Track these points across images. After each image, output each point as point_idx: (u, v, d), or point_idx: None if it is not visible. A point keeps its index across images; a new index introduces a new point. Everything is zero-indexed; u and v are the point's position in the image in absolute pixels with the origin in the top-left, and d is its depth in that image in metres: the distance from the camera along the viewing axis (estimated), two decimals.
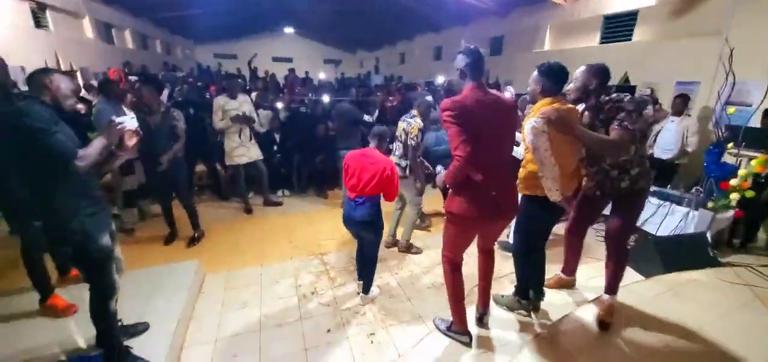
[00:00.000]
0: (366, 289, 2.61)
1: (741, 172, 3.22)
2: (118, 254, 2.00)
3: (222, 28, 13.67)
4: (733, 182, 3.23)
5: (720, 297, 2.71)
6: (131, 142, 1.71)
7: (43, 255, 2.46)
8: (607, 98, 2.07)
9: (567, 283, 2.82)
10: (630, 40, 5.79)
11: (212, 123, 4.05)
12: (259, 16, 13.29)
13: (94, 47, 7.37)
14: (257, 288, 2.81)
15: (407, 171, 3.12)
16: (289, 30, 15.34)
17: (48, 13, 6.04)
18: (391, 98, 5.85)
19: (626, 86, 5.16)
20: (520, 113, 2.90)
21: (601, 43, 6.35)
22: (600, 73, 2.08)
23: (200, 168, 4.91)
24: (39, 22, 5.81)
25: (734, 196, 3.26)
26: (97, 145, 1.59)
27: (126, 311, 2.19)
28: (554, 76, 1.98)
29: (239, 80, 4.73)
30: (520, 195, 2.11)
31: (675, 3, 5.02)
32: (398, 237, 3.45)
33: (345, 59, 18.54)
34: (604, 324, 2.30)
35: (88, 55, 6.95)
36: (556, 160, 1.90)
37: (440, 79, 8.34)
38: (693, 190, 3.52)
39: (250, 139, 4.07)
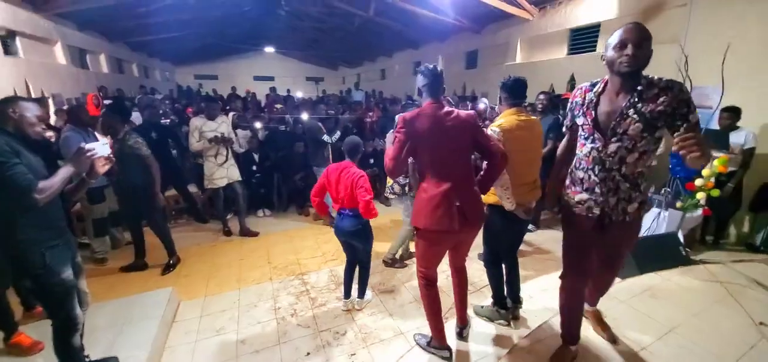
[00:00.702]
0: (361, 293, 2.71)
1: (705, 172, 3.35)
2: (84, 287, 1.92)
3: (202, 50, 13.62)
4: (698, 182, 3.36)
5: (695, 296, 2.79)
6: (103, 168, 1.67)
7: (5, 289, 2.35)
8: (649, 80, 1.50)
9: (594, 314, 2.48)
10: (595, 50, 6.07)
11: (187, 145, 3.99)
12: (239, 37, 13.31)
13: (67, 73, 7.18)
14: (234, 312, 2.73)
15: (406, 188, 3.09)
16: (269, 49, 15.39)
17: (18, 39, 5.88)
18: (370, 114, 5.90)
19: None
20: (487, 123, 3.00)
21: (569, 54, 6.61)
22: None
23: (170, 192, 4.77)
24: (8, 49, 5.65)
25: (701, 195, 3.39)
26: (61, 174, 1.54)
27: (94, 345, 2.10)
28: (512, 89, 2.10)
29: (217, 102, 4.61)
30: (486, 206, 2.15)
31: (633, 15, 5.31)
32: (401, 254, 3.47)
33: (327, 76, 18.68)
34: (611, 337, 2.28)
35: (60, 80, 6.77)
36: (513, 170, 1.98)
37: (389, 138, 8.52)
38: (662, 191, 3.65)
39: (227, 159, 3.99)
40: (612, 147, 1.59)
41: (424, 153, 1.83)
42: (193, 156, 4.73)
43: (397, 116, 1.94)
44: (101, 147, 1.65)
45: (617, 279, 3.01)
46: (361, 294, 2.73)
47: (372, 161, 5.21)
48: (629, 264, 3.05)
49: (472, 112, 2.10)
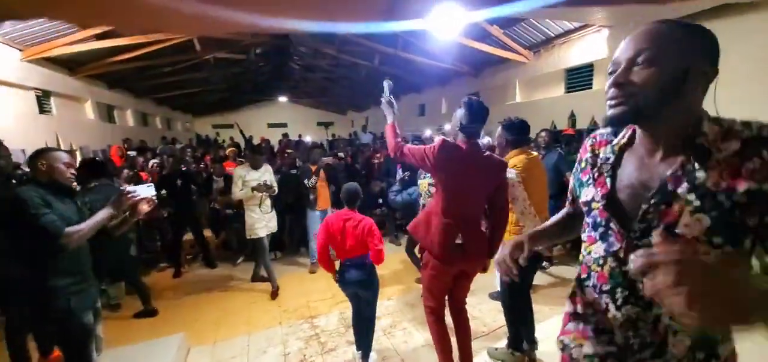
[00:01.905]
0: (366, 356, 2.49)
1: None
2: (99, 332, 1.98)
3: (219, 102, 14.43)
4: None
5: None
6: (146, 208, 1.81)
7: (26, 335, 2.41)
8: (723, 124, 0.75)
9: None
10: (591, 88, 6.27)
11: (203, 190, 4.06)
12: (254, 89, 14.11)
13: (95, 127, 7.70)
14: (244, 359, 2.71)
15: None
16: (282, 98, 16.18)
17: (52, 99, 6.41)
18: (378, 155, 6.05)
19: (594, 129, 5.48)
20: None
21: (567, 92, 6.81)
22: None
23: (188, 237, 4.92)
24: (43, 108, 6.15)
25: None
26: (95, 219, 1.66)
27: None
28: (516, 129, 2.16)
29: (262, 152, 4.40)
30: None
31: None
32: None
33: (336, 120, 19.34)
34: None
35: (88, 134, 7.25)
36: (533, 207, 2.01)
37: (427, 132, 8.75)
38: None
39: (271, 209, 3.90)
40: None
41: (448, 183, 1.85)
42: (211, 201, 4.90)
43: (438, 137, 1.94)
44: (144, 189, 1.78)
45: None
46: (366, 355, 2.49)
47: (381, 201, 5.28)
48: None
49: (489, 145, 2.14)
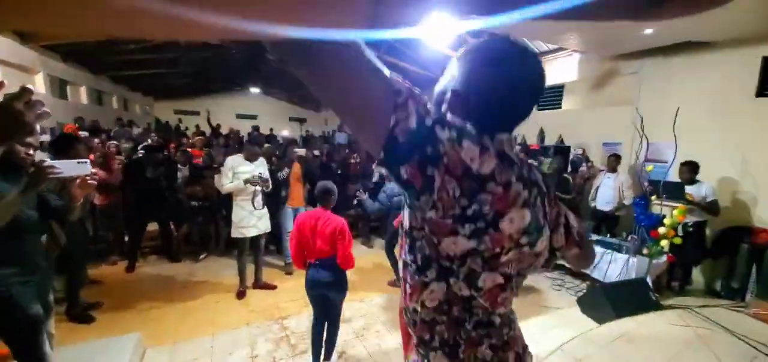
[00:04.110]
0: (329, 354, 2.47)
1: (666, 221, 3.62)
2: (50, 328, 1.79)
3: (184, 85, 13.64)
4: (661, 230, 3.61)
5: (668, 341, 2.90)
6: (82, 191, 1.58)
7: None
8: None
9: None
10: (560, 107, 6.71)
11: (217, 183, 3.66)
12: (223, 75, 13.48)
13: (46, 102, 6.95)
14: (207, 361, 2.57)
15: None
16: (254, 89, 15.61)
17: (0, 67, 5.75)
18: (355, 155, 6.02)
19: (562, 146, 5.83)
20: None
21: (539, 109, 7.18)
22: None
23: (152, 227, 4.61)
24: None
25: (664, 243, 3.63)
26: (8, 200, 1.32)
27: None
28: None
29: (259, 143, 4.01)
30: None
31: (592, 79, 5.96)
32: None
33: (310, 117, 18.99)
34: None
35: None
36: None
37: None
38: (628, 238, 3.88)
39: (263, 207, 3.59)
40: None
41: None
42: (176, 191, 4.61)
43: None
44: (74, 167, 1.48)
45: (594, 324, 3.11)
46: (329, 354, 2.48)
47: (355, 202, 5.24)
48: (605, 307, 3.16)
49: None
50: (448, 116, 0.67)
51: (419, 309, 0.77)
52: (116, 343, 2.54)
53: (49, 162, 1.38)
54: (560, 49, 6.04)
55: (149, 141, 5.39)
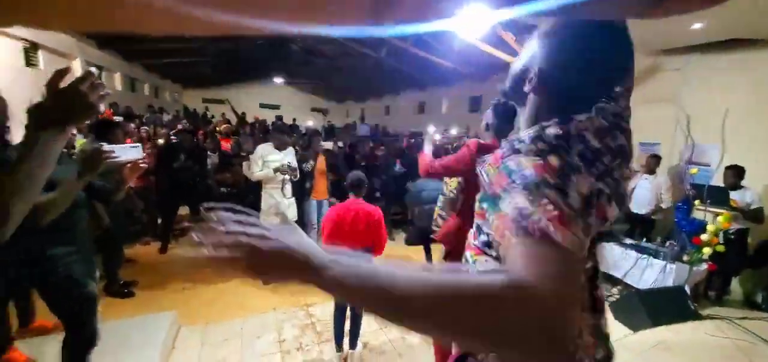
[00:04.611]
0: (354, 343, 2.49)
1: (710, 227, 3.42)
2: (96, 292, 1.88)
3: (211, 74, 13.98)
4: (703, 237, 3.41)
5: (706, 352, 2.75)
6: (133, 174, 1.61)
7: (7, 305, 2.27)
8: None
9: None
10: None
11: (246, 171, 3.78)
12: (250, 64, 13.72)
13: None
14: (237, 342, 2.64)
15: None
16: (278, 79, 15.84)
17: (40, 52, 6.06)
18: (380, 147, 6.00)
19: None
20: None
21: None
22: None
23: (183, 211, 4.78)
24: (29, 61, 5.80)
25: (706, 251, 3.43)
26: (67, 186, 1.35)
27: None
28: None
29: (287, 131, 4.14)
30: None
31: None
32: None
33: (332, 108, 19.11)
34: None
35: None
36: None
37: (430, 129, 8.81)
38: (667, 244, 3.69)
39: (291, 195, 3.65)
40: None
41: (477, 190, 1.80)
42: (206, 178, 4.75)
43: (471, 141, 1.90)
44: (129, 151, 1.53)
45: (628, 331, 2.99)
46: (354, 344, 2.48)
47: (378, 194, 5.24)
48: (640, 314, 3.03)
49: None
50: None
51: (471, 261, 0.76)
52: (154, 320, 2.65)
53: (106, 146, 1.40)
54: None
55: (180, 126, 5.57)
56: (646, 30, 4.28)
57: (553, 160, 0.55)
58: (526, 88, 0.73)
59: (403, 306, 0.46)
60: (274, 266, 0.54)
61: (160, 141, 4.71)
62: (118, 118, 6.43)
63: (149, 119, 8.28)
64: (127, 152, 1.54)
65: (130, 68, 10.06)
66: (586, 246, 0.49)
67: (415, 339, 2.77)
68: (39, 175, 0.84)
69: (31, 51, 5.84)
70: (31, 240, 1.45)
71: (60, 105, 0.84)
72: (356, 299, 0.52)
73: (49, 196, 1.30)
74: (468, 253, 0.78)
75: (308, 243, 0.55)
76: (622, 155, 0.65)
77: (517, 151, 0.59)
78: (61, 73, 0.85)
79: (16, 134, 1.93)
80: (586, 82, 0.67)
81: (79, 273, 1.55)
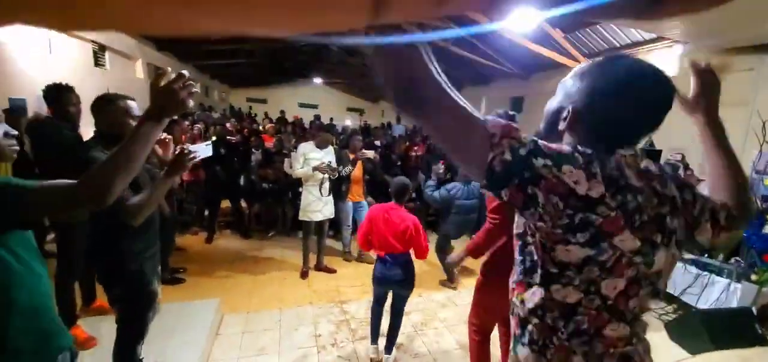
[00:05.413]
0: (391, 347, 2.48)
1: None
2: (158, 292, 1.97)
3: (255, 75, 14.68)
4: None
5: None
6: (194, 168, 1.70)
7: (74, 284, 2.51)
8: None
9: None
10: None
11: (287, 168, 3.98)
12: (290, 65, 14.24)
13: (143, 87, 7.98)
14: (276, 333, 2.75)
15: None
16: (317, 80, 16.27)
17: (107, 53, 6.69)
18: (416, 147, 5.97)
19: (652, 150, 5.13)
20: None
21: None
22: None
23: (225, 205, 5.06)
24: (98, 61, 6.43)
25: None
26: (158, 187, 1.45)
27: (143, 350, 2.18)
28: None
29: (330, 131, 4.27)
30: None
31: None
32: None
33: (367, 108, 19.30)
34: None
35: (137, 93, 7.41)
36: None
37: None
38: (732, 261, 3.33)
39: (329, 193, 3.74)
40: None
41: None
42: (250, 173, 5.00)
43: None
44: (204, 149, 1.67)
45: (685, 354, 2.74)
46: (390, 347, 2.46)
47: (415, 195, 5.21)
48: (701, 336, 2.76)
49: None
50: (542, 143, 0.68)
51: (518, 303, 0.81)
52: (201, 306, 2.83)
53: (190, 147, 1.50)
54: (659, 38, 5.29)
55: (228, 125, 5.89)
56: (716, 24, 3.89)
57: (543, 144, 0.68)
58: (561, 126, 0.79)
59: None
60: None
61: (213, 138, 5.02)
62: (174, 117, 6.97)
63: (200, 117, 8.85)
64: (203, 150, 1.67)
65: (184, 69, 10.81)
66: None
67: (449, 344, 2.73)
68: (137, 157, 0.99)
69: (99, 52, 6.46)
70: (118, 234, 1.51)
71: (158, 100, 1.01)
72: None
73: (141, 196, 1.41)
74: (514, 298, 0.85)
75: None
76: (671, 205, 0.75)
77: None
78: (160, 75, 1.02)
79: (86, 126, 2.14)
80: (624, 121, 0.74)
81: (149, 271, 1.61)
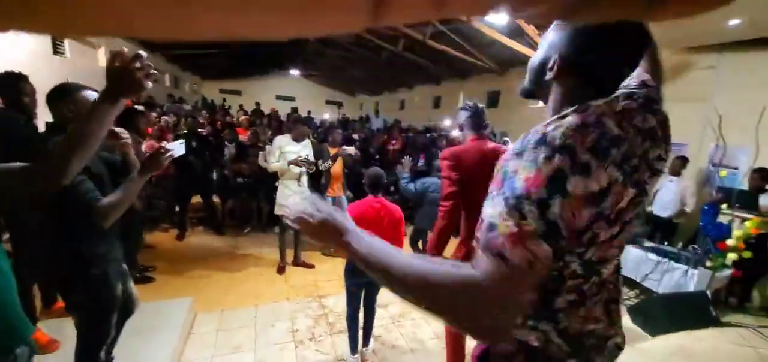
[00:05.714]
0: (367, 340, 2.48)
1: (737, 232, 3.28)
2: (133, 291, 1.86)
3: (229, 66, 14.20)
4: (730, 242, 3.28)
5: (730, 359, 2.67)
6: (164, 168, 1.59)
7: (33, 285, 2.37)
8: None
9: None
10: None
11: (262, 162, 3.85)
12: (266, 57, 13.87)
13: (105, 76, 7.57)
14: (251, 330, 2.70)
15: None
16: (294, 72, 15.94)
17: (66, 41, 6.25)
18: (393, 141, 5.98)
19: None
20: None
21: None
22: None
23: (197, 200, 4.88)
24: (56, 49, 6.00)
25: (732, 256, 3.30)
26: (129, 187, 1.39)
27: (114, 351, 2.08)
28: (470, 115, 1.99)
29: (306, 124, 4.15)
30: None
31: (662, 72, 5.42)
32: None
33: (345, 101, 19.15)
34: None
35: (99, 82, 6.93)
36: None
37: (446, 123, 8.69)
38: (689, 248, 3.57)
39: (307, 187, 3.65)
40: None
41: (470, 192, 1.80)
42: (221, 167, 4.84)
43: (443, 152, 1.94)
44: (178, 147, 1.61)
45: (646, 336, 2.92)
46: (367, 340, 2.48)
47: (393, 189, 5.24)
48: (661, 319, 2.94)
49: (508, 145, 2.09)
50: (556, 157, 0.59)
51: None
52: (172, 306, 2.72)
53: (166, 145, 1.47)
54: None
55: (200, 119, 5.66)
56: (677, 27, 4.09)
57: (548, 167, 0.57)
58: (548, 76, 0.74)
59: (395, 280, 0.64)
60: (319, 231, 0.78)
61: (185, 131, 4.80)
62: (139, 107, 6.63)
63: (169, 109, 8.48)
64: (177, 149, 1.60)
65: (152, 59, 10.27)
66: (543, 255, 0.55)
67: (426, 334, 2.78)
68: (94, 137, 0.99)
69: (58, 39, 6.04)
70: (82, 237, 1.43)
71: (114, 80, 1.00)
72: (363, 264, 0.69)
73: (113, 197, 1.36)
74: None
75: (342, 216, 0.77)
76: (652, 138, 0.69)
77: (519, 154, 0.61)
78: (116, 54, 1.00)
79: (42, 118, 2.01)
80: (608, 60, 0.69)
81: (113, 275, 1.54)
